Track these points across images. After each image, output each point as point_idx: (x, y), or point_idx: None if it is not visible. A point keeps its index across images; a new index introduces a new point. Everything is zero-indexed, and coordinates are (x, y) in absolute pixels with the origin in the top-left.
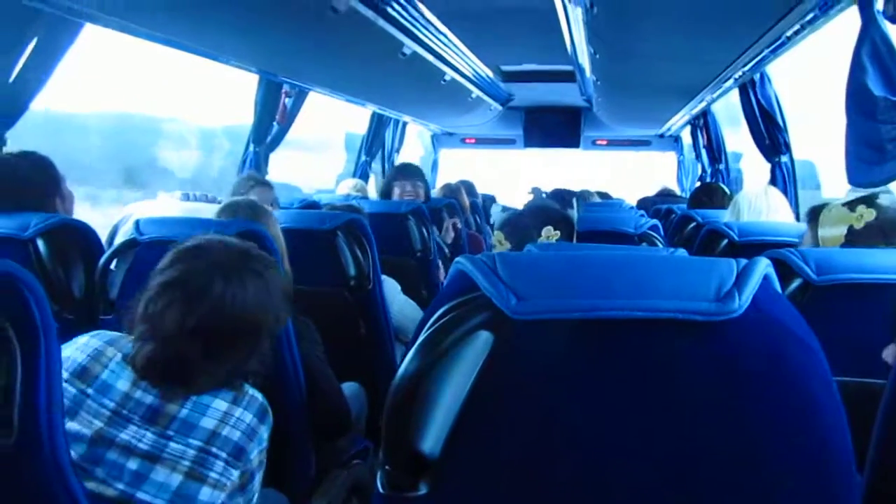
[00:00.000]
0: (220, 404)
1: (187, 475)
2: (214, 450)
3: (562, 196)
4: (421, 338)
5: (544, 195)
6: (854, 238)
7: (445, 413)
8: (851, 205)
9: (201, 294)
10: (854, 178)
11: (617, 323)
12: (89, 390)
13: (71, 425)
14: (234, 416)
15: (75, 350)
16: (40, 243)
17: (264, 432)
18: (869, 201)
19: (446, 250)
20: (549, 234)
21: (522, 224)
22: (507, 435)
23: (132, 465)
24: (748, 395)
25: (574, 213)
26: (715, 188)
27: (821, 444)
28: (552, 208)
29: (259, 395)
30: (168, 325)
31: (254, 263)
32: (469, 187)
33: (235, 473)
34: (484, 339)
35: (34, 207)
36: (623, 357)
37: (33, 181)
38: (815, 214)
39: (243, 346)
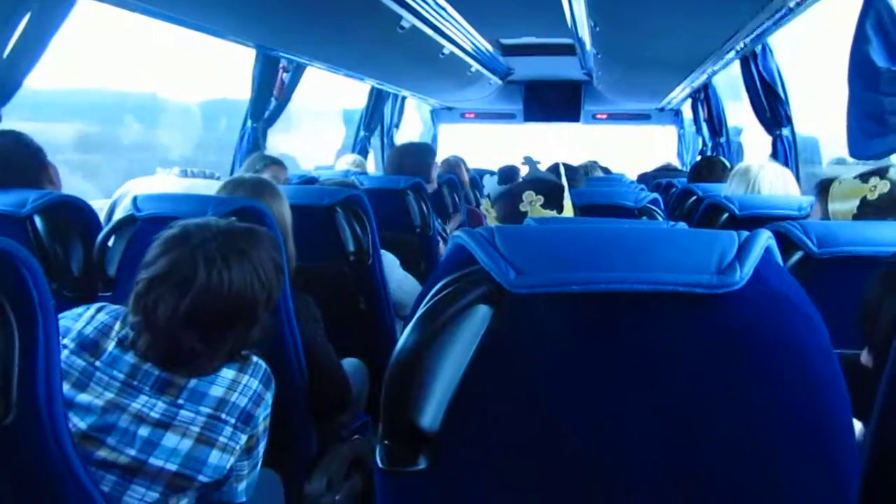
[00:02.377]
0: (227, 373)
1: (197, 440)
2: (223, 415)
3: (556, 170)
4: (419, 312)
5: (538, 165)
6: (866, 210)
7: (444, 387)
8: (864, 177)
9: (187, 284)
10: (855, 150)
11: (617, 296)
12: (97, 363)
13: (82, 397)
14: (242, 383)
15: (83, 323)
16: (38, 220)
17: (269, 398)
18: (882, 174)
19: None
20: (531, 198)
21: (511, 191)
22: (506, 409)
23: (143, 432)
24: (749, 368)
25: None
26: (715, 161)
27: (822, 416)
28: (544, 178)
29: (263, 363)
30: (160, 318)
31: (237, 242)
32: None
33: (243, 438)
34: (482, 313)
35: (26, 185)
36: (623, 330)
37: (21, 159)
38: (824, 188)
39: (240, 325)
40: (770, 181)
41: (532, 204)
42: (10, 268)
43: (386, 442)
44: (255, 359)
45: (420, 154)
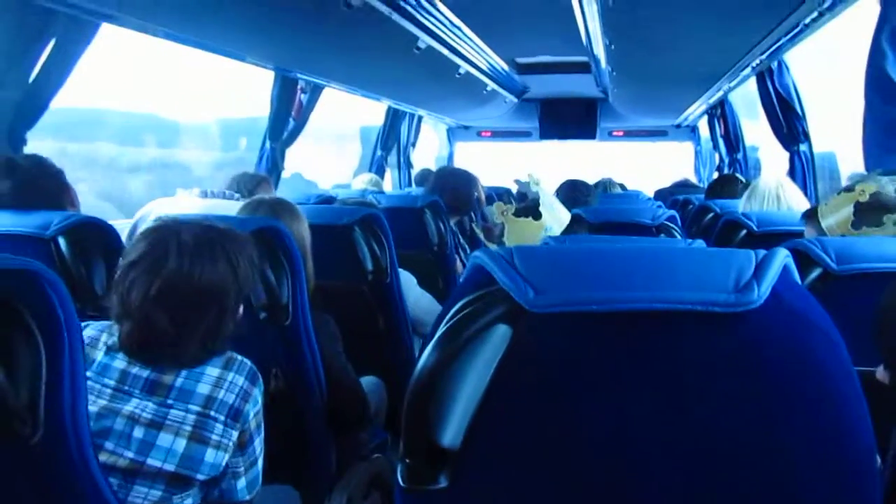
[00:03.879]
0: (212, 370)
1: (191, 438)
2: (213, 413)
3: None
4: (439, 332)
5: (531, 184)
6: (861, 214)
7: (464, 406)
8: (847, 189)
9: (158, 267)
10: (872, 164)
11: (635, 315)
12: (89, 373)
13: None
14: (227, 380)
15: None
16: (62, 241)
17: (258, 394)
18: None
19: (464, 244)
20: (502, 208)
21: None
22: (526, 428)
23: (138, 433)
24: (769, 387)
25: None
26: (732, 179)
27: (842, 436)
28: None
29: (248, 361)
30: (135, 299)
31: (211, 235)
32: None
33: (234, 434)
34: (502, 332)
35: (48, 207)
36: (642, 349)
37: (43, 182)
38: (812, 213)
39: (209, 314)
40: (785, 197)
41: (505, 214)
42: (36, 288)
43: (407, 460)
44: (238, 357)
45: (461, 184)
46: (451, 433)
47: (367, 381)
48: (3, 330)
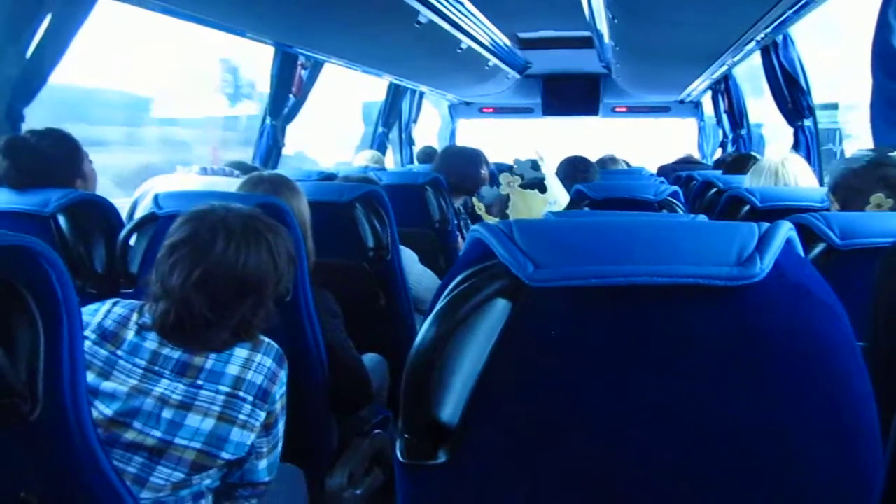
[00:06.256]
0: (241, 352)
1: (219, 418)
2: (241, 393)
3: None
4: (438, 306)
5: (539, 161)
6: (856, 180)
7: (463, 381)
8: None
9: (205, 251)
10: (880, 140)
11: (636, 289)
12: (119, 352)
13: (106, 385)
14: (256, 361)
15: (101, 316)
16: (61, 219)
17: (284, 376)
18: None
19: (468, 223)
20: (509, 179)
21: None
22: (525, 403)
23: (167, 414)
24: (771, 361)
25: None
26: (748, 157)
27: (845, 410)
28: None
29: (274, 343)
30: (175, 281)
31: (258, 225)
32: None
33: (262, 415)
34: (501, 306)
35: (53, 185)
36: (642, 323)
37: (52, 160)
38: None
39: (247, 302)
40: (792, 173)
41: (511, 185)
42: (34, 265)
43: (406, 435)
44: (266, 339)
45: (467, 163)
46: (450, 408)
47: (370, 358)
48: (0, 307)
